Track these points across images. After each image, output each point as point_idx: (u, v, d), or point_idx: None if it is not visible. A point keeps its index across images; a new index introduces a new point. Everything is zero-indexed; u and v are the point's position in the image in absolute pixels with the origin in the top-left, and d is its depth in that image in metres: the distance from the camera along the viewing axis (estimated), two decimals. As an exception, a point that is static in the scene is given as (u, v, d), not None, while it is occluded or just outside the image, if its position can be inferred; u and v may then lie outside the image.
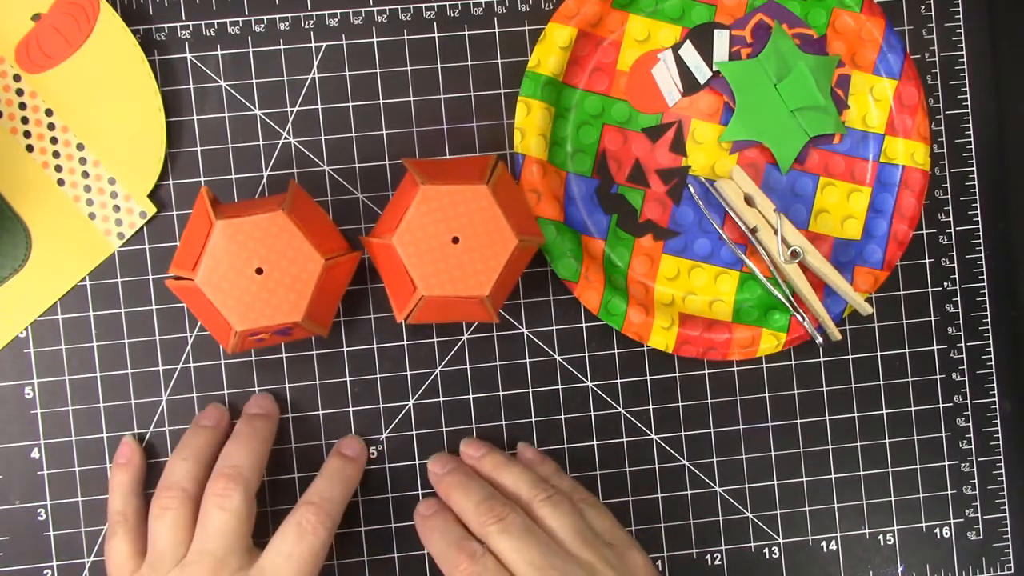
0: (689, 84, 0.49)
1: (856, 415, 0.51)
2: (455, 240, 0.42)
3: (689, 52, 0.48)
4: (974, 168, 0.51)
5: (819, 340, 0.49)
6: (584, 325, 0.50)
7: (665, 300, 0.49)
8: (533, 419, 0.50)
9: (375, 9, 0.49)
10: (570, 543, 0.43)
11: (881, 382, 0.51)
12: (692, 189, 0.49)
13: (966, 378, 0.52)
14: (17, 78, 0.47)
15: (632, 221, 0.49)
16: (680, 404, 0.51)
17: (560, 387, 0.50)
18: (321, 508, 0.44)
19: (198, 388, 0.49)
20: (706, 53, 0.48)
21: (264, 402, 0.48)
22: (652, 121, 0.49)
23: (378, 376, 0.49)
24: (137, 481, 0.47)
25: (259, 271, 0.42)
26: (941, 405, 0.52)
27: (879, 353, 0.51)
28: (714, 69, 0.49)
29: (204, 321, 0.43)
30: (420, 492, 0.49)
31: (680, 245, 0.49)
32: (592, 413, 0.50)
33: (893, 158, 0.49)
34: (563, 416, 0.50)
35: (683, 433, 0.51)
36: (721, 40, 0.48)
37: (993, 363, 0.52)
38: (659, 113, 0.49)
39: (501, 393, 0.50)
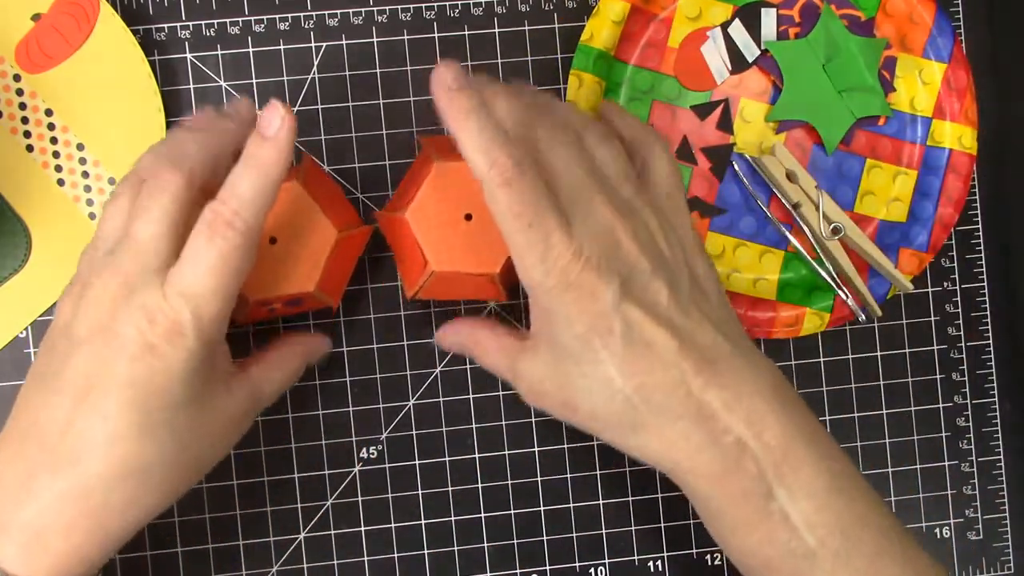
0: (738, 62, 0.49)
1: (856, 415, 0.51)
2: (467, 217, 0.42)
3: (738, 30, 0.48)
4: (974, 168, 0.51)
5: (862, 317, 0.49)
6: (584, 325, 0.50)
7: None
8: (533, 419, 0.50)
9: (375, 9, 0.49)
10: (619, 182, 0.40)
11: (881, 382, 0.51)
12: (737, 167, 0.49)
13: (966, 378, 0.52)
14: (17, 78, 0.47)
15: None
16: (680, 404, 0.51)
17: (560, 387, 0.50)
18: (228, 203, 0.37)
19: (198, 388, 0.49)
20: (754, 32, 0.49)
21: (240, 105, 0.42)
22: (701, 99, 0.49)
23: (378, 376, 0.49)
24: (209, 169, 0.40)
25: (272, 241, 0.42)
26: (941, 405, 0.52)
27: (879, 353, 0.51)
28: (763, 48, 0.49)
29: None
30: (420, 492, 0.49)
31: (726, 223, 0.50)
32: (592, 413, 0.50)
33: (940, 141, 0.49)
34: (563, 416, 0.50)
35: (683, 433, 0.51)
36: (769, 19, 0.48)
37: (993, 363, 0.52)
38: (708, 91, 0.49)
39: (501, 393, 0.50)
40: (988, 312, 0.52)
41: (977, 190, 0.52)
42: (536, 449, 0.50)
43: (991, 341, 0.52)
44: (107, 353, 0.36)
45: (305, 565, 0.49)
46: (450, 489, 0.50)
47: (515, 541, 0.50)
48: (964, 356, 0.52)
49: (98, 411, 0.36)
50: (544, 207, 0.37)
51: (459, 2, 0.49)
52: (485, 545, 0.50)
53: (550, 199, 0.37)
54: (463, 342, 0.45)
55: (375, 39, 0.49)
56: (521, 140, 0.38)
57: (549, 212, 0.37)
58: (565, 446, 0.50)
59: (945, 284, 0.52)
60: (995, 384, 0.52)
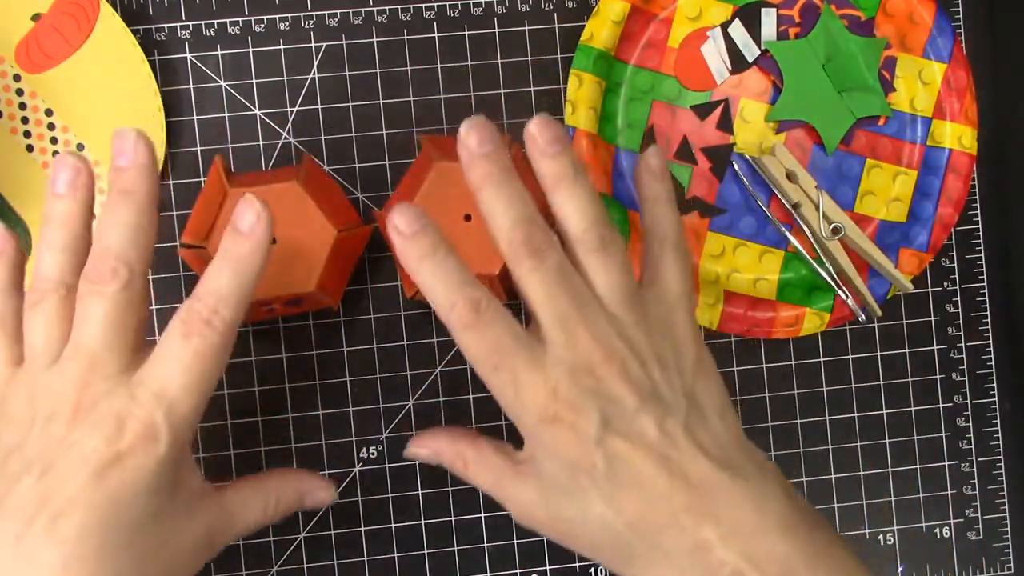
0: (738, 62, 0.49)
1: (856, 415, 0.51)
2: (467, 217, 0.42)
3: (738, 30, 0.48)
4: (974, 168, 0.51)
5: (862, 317, 0.49)
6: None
7: (710, 278, 0.49)
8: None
9: (375, 9, 0.49)
10: (610, 302, 0.37)
11: (881, 382, 0.51)
12: (737, 167, 0.49)
13: (966, 378, 0.52)
14: (17, 78, 0.47)
15: (679, 198, 0.49)
16: (680, 404, 0.50)
17: (560, 387, 0.50)
18: (204, 300, 0.36)
19: (198, 388, 0.49)
20: (754, 32, 0.49)
21: (135, 155, 0.37)
22: (701, 99, 0.49)
23: (378, 376, 0.49)
24: (12, 276, 0.39)
25: (272, 241, 0.42)
26: (941, 405, 0.52)
27: (879, 353, 0.51)
28: (762, 48, 0.49)
29: None
30: (420, 492, 0.49)
31: (726, 223, 0.50)
32: (592, 413, 0.50)
33: (940, 141, 0.49)
34: (563, 416, 0.50)
35: (683, 433, 0.51)
36: (769, 19, 0.48)
37: (993, 363, 0.52)
38: (708, 91, 0.49)
39: (501, 393, 0.50)
40: (988, 312, 0.52)
41: (977, 190, 0.52)
42: (536, 449, 0.50)
43: (991, 341, 0.52)
44: (66, 471, 0.34)
45: (305, 565, 0.49)
46: (450, 489, 0.50)
47: (515, 541, 0.50)
48: (964, 356, 0.52)
49: (54, 536, 0.33)
50: (507, 348, 0.36)
51: (459, 2, 0.49)
52: (485, 545, 0.50)
53: (516, 338, 0.36)
54: (442, 456, 0.42)
55: (375, 39, 0.49)
56: (511, 254, 0.37)
57: (514, 352, 0.36)
58: (565, 446, 0.50)
59: (945, 284, 0.52)
60: (995, 384, 0.52)
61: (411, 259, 0.37)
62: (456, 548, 0.50)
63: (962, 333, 0.52)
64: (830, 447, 0.51)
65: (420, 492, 0.50)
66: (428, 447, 0.43)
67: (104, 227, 0.36)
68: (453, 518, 0.50)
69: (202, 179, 0.48)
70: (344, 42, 0.49)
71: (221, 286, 0.36)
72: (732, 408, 0.40)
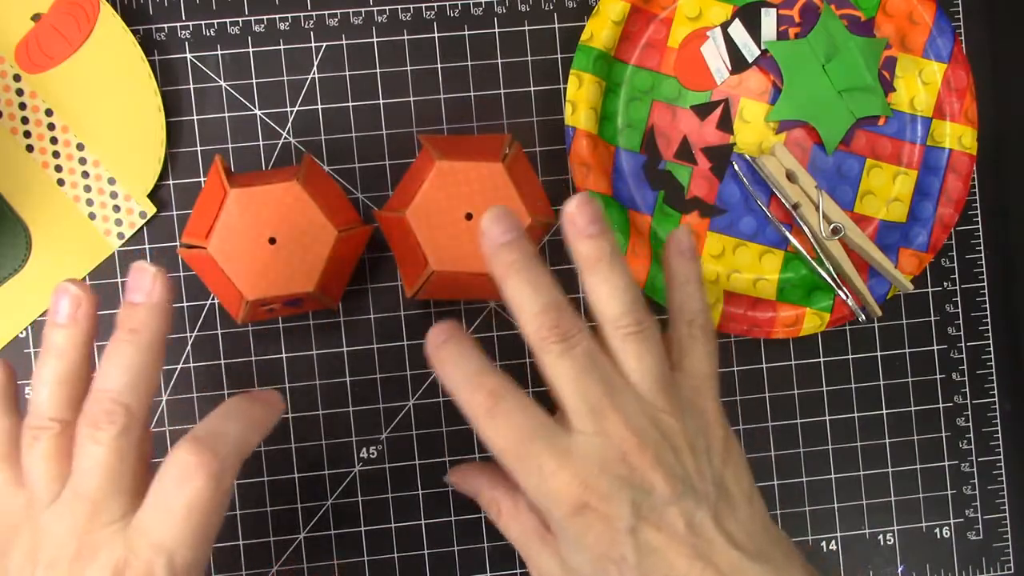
0: (738, 62, 0.49)
1: (856, 415, 0.51)
2: (468, 216, 0.42)
3: (738, 30, 0.49)
4: (974, 168, 0.51)
5: (862, 318, 0.49)
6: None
7: (710, 278, 0.49)
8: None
9: (375, 9, 0.49)
10: (642, 387, 0.37)
11: (881, 382, 0.51)
12: (737, 167, 0.49)
13: (966, 378, 0.52)
14: (17, 78, 0.47)
15: (679, 198, 0.49)
16: (680, 404, 0.51)
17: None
18: (204, 444, 0.35)
19: (198, 388, 0.49)
20: (754, 32, 0.49)
21: (149, 287, 0.37)
22: (701, 99, 0.49)
23: (378, 376, 0.49)
24: (3, 399, 0.39)
25: (272, 241, 0.42)
26: (941, 405, 0.52)
27: (879, 353, 0.51)
28: (762, 48, 0.49)
29: (215, 291, 0.44)
30: (420, 492, 0.49)
31: (726, 223, 0.50)
32: (592, 413, 0.50)
33: (940, 141, 0.50)
34: (563, 416, 0.50)
35: (683, 433, 0.51)
36: (768, 19, 0.48)
37: (993, 363, 0.52)
38: (708, 91, 0.49)
39: (501, 393, 0.50)
40: (988, 312, 0.52)
41: (977, 190, 0.52)
42: (536, 449, 0.50)
43: (991, 341, 0.52)
44: None
45: (305, 565, 0.49)
46: (450, 489, 0.50)
47: (515, 541, 0.50)
48: (964, 356, 0.52)
49: None
50: (529, 439, 0.36)
51: (459, 2, 0.49)
52: (485, 545, 0.50)
53: (539, 428, 0.36)
54: (479, 498, 0.43)
55: (375, 39, 0.49)
56: (538, 341, 0.36)
57: (536, 443, 0.36)
58: (565, 446, 0.50)
59: (945, 284, 0.52)
60: (995, 384, 0.52)
61: (439, 364, 0.38)
62: (456, 548, 0.50)
63: (962, 333, 0.52)
64: (830, 447, 0.51)
65: (420, 492, 0.50)
66: (468, 484, 0.43)
67: (106, 367, 0.36)
68: (453, 518, 0.50)
69: (202, 179, 0.48)
70: (344, 42, 0.49)
71: (228, 432, 0.36)
72: (758, 492, 0.39)
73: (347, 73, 0.49)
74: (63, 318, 0.36)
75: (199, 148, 0.48)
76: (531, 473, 0.36)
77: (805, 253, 0.50)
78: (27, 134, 0.47)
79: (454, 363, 0.37)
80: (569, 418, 0.36)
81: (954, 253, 0.52)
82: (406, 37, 0.49)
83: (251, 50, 0.48)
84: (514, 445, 0.36)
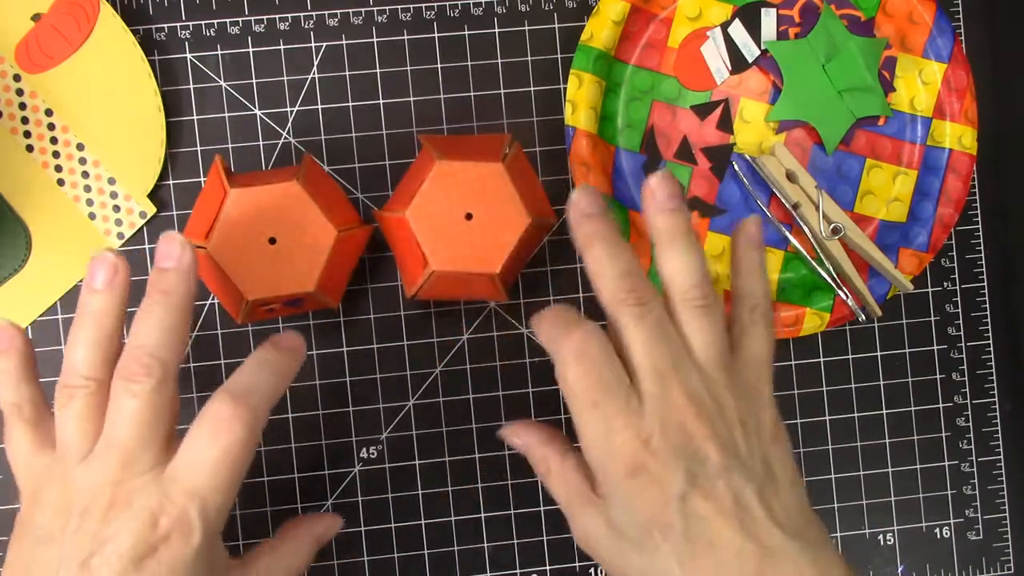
0: (738, 62, 0.49)
1: (856, 415, 0.51)
2: (468, 216, 0.43)
3: (738, 30, 0.49)
4: (974, 168, 0.51)
5: (862, 318, 0.49)
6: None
7: (711, 277, 0.50)
8: (533, 419, 0.50)
9: (375, 9, 0.49)
10: (704, 360, 0.38)
11: (881, 382, 0.51)
12: (737, 167, 0.49)
13: (966, 378, 0.52)
14: (17, 78, 0.47)
15: None
16: (680, 404, 0.50)
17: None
18: (239, 399, 0.36)
19: (198, 388, 0.49)
20: (754, 32, 0.49)
21: (171, 251, 0.39)
22: (701, 99, 0.49)
23: (378, 376, 0.49)
24: (23, 367, 0.40)
25: (272, 241, 0.42)
26: (941, 405, 0.52)
27: (879, 353, 0.51)
28: (762, 48, 0.49)
29: (215, 291, 0.44)
30: (420, 492, 0.49)
31: (726, 223, 0.50)
32: (592, 413, 0.50)
33: (940, 141, 0.50)
34: (563, 416, 0.50)
35: (683, 433, 0.51)
36: (768, 19, 0.48)
37: (993, 363, 0.52)
38: (708, 91, 0.49)
39: (501, 393, 0.50)
40: (988, 312, 0.52)
41: (977, 190, 0.52)
42: (536, 449, 0.50)
43: (991, 341, 0.52)
44: (103, 562, 0.35)
45: (305, 565, 0.49)
46: (450, 489, 0.50)
47: (515, 541, 0.50)
48: (964, 356, 0.52)
49: None
50: (607, 388, 0.37)
51: (459, 2, 0.49)
52: (485, 545, 0.50)
53: (619, 381, 0.37)
54: (531, 453, 0.43)
55: (375, 39, 0.49)
56: (616, 303, 0.38)
57: (611, 395, 0.37)
58: (565, 446, 0.50)
59: (945, 284, 0.52)
60: (995, 384, 0.52)
61: (541, 329, 0.40)
62: (456, 548, 0.50)
63: (962, 333, 0.52)
64: (830, 447, 0.51)
65: (420, 492, 0.50)
66: (521, 439, 0.44)
67: (140, 326, 0.37)
68: (453, 518, 0.50)
69: (202, 179, 0.48)
70: (344, 42, 0.49)
71: (259, 385, 0.38)
72: (801, 478, 0.40)
73: (347, 73, 0.49)
74: (100, 283, 0.38)
75: (199, 148, 0.48)
76: (599, 423, 0.37)
77: (805, 253, 0.50)
78: (27, 134, 0.47)
79: (551, 318, 0.39)
80: (637, 380, 0.37)
81: (954, 253, 0.52)
82: (406, 37, 0.49)
83: (251, 50, 0.49)
84: (594, 391, 0.37)
